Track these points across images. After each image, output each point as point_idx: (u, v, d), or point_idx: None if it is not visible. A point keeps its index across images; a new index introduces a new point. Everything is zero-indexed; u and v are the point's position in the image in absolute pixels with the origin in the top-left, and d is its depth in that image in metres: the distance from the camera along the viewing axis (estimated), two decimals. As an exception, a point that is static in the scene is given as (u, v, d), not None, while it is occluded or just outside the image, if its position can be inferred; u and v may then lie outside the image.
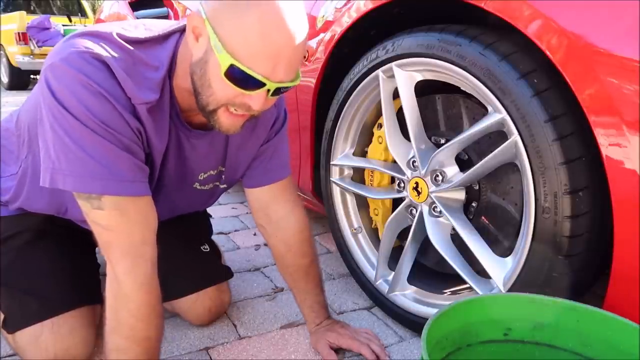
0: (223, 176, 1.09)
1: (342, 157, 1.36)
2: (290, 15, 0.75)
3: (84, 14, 8.52)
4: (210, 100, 0.80)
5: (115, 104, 0.78)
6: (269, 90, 0.78)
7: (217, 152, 1.03)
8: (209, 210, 1.45)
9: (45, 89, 0.77)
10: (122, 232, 0.82)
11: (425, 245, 1.21)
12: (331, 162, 1.38)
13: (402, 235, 1.27)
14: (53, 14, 8.06)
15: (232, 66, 0.74)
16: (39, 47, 7.17)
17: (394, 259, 1.26)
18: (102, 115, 0.77)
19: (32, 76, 7.87)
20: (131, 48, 0.82)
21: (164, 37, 0.86)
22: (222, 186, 1.12)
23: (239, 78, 0.75)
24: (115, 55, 0.80)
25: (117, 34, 0.82)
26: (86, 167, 0.78)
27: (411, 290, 1.22)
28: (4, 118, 1.08)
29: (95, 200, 0.80)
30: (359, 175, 1.40)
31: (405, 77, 1.12)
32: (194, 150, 0.97)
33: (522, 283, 0.94)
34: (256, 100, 0.78)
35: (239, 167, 1.08)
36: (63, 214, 1.06)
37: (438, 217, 1.14)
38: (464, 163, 1.11)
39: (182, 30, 0.87)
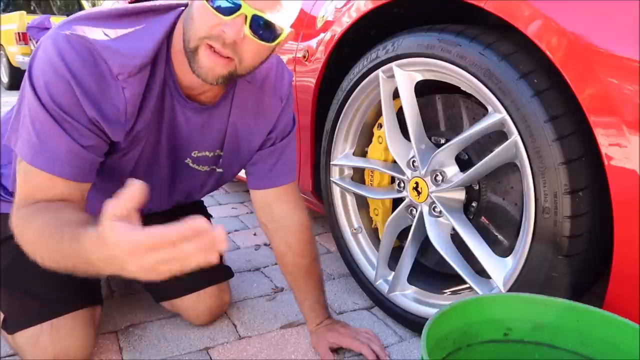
0: (220, 160, 1.09)
1: (342, 157, 1.36)
2: None
3: (84, 14, 8.51)
4: (191, 35, 0.82)
5: (78, 93, 0.81)
6: (246, 18, 0.79)
7: (214, 134, 1.03)
8: (209, 210, 1.45)
9: (30, 61, 0.83)
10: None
11: (425, 245, 1.21)
12: (331, 162, 1.38)
13: (402, 235, 1.27)
14: (53, 14, 8.06)
15: None
16: (39, 47, 7.16)
17: (394, 259, 1.26)
18: (61, 100, 0.81)
19: (32, 76, 7.86)
20: (132, 19, 0.87)
21: (168, 8, 0.90)
22: (218, 170, 1.12)
23: None
24: (109, 33, 0.84)
25: (122, 10, 0.86)
26: (29, 136, 0.82)
27: (411, 290, 1.22)
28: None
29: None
30: (359, 175, 1.40)
31: (405, 77, 1.12)
32: (188, 123, 0.98)
33: (522, 283, 0.94)
34: (232, 27, 0.79)
35: (238, 155, 1.09)
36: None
37: (438, 217, 1.14)
38: (464, 163, 1.11)
39: (186, 5, 0.89)
